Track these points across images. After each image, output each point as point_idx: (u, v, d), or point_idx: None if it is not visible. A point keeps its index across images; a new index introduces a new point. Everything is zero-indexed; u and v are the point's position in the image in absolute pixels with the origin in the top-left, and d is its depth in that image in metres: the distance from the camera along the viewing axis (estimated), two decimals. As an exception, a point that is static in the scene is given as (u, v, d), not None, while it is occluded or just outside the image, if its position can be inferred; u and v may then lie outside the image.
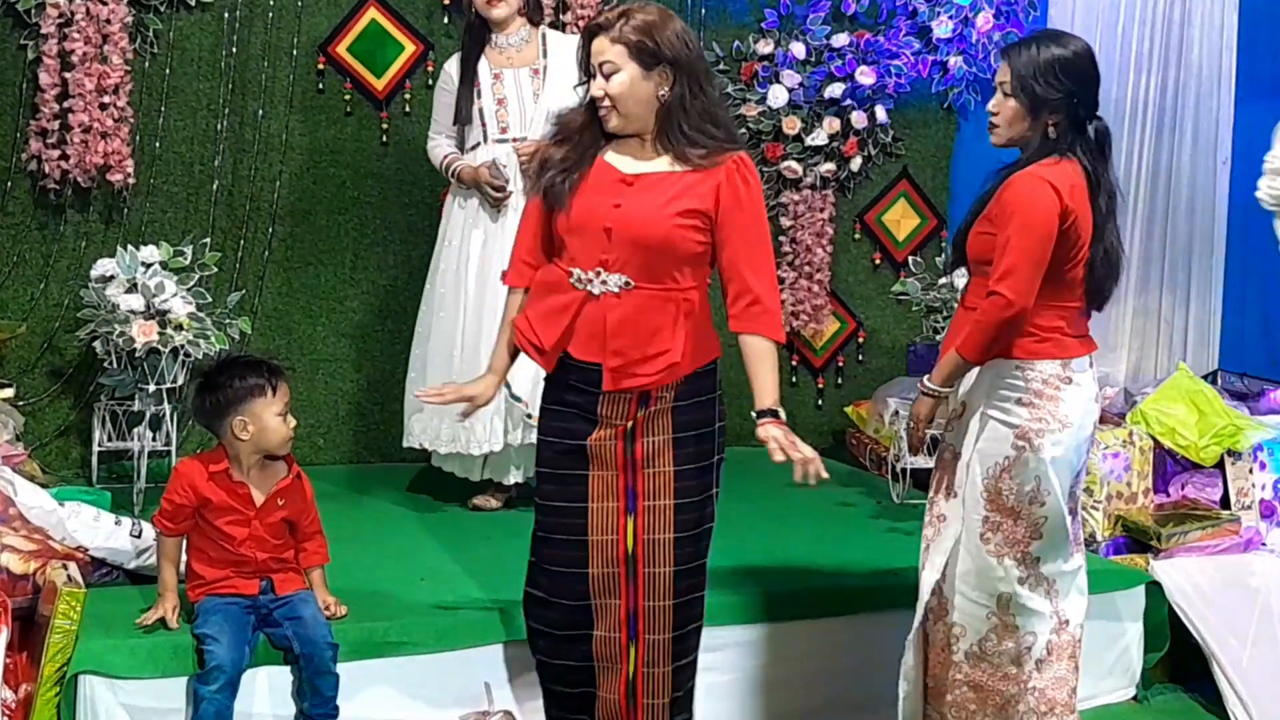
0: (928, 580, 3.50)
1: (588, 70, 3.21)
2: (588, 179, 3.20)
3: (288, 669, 3.41)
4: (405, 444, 4.91)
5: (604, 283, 3.19)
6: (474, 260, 4.70)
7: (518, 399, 4.56)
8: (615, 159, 3.22)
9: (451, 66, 4.79)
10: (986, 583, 3.41)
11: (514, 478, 4.79)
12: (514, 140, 4.65)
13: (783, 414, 3.22)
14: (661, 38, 3.12)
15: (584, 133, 3.24)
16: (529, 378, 4.49)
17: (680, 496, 3.24)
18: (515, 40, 4.71)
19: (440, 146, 4.81)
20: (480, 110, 4.69)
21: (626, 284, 3.17)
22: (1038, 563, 3.41)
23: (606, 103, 3.16)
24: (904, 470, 5.10)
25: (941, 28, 6.03)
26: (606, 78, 3.14)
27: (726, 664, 3.81)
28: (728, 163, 3.16)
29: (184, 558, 3.48)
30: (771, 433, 3.16)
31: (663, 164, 3.19)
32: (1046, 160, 3.36)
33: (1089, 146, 3.39)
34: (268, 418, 3.36)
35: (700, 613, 3.34)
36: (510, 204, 4.63)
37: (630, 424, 3.23)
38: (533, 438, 4.63)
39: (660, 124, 3.17)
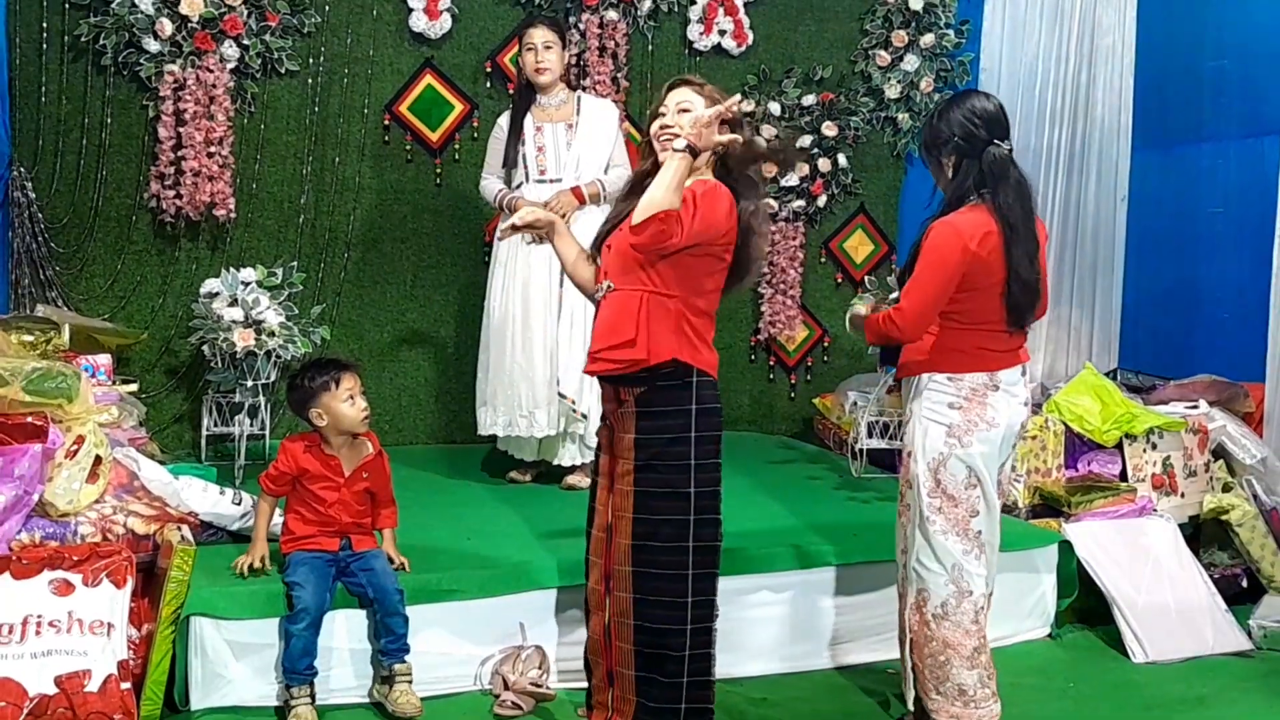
0: (909, 561, 3.38)
1: (656, 112, 3.15)
2: None
3: (363, 613, 3.42)
4: (479, 432, 4.86)
5: (599, 290, 3.15)
6: (519, 278, 4.67)
7: (563, 396, 4.55)
8: None
9: (503, 120, 4.78)
10: (940, 555, 3.31)
11: (563, 459, 4.74)
12: (550, 181, 4.65)
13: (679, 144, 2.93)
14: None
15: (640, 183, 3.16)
16: (577, 378, 4.49)
17: (638, 508, 3.04)
18: (556, 101, 4.70)
19: (492, 184, 4.78)
20: (523, 156, 4.67)
21: (610, 287, 3.10)
22: (979, 535, 3.33)
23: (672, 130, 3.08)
24: (861, 450, 5.10)
25: (892, 90, 6.03)
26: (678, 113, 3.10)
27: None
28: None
29: (279, 520, 3.50)
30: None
31: None
32: (963, 208, 3.22)
33: (990, 181, 3.20)
34: (335, 406, 3.38)
35: (665, 589, 3.04)
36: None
37: (611, 418, 3.15)
38: (576, 427, 4.64)
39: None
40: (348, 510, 3.43)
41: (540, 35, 4.61)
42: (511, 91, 5.35)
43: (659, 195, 2.89)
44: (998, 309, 3.25)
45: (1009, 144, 3.25)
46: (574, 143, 4.66)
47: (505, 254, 4.73)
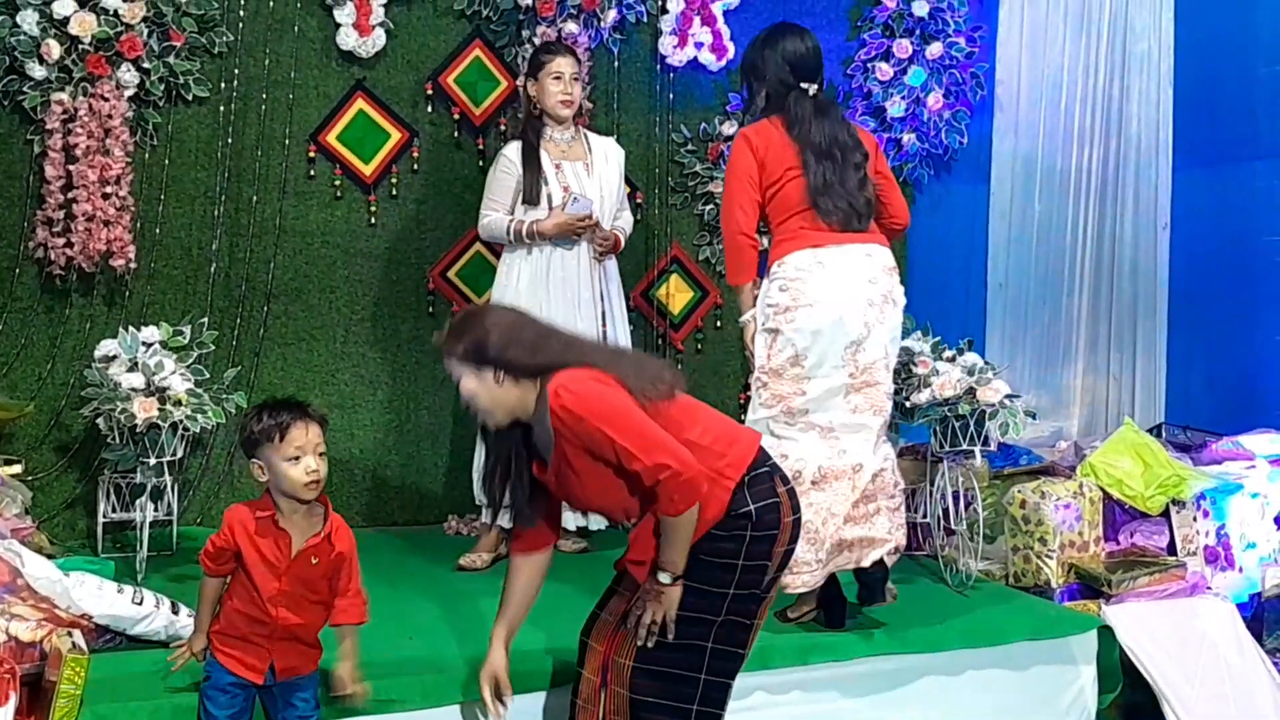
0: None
1: None
2: None
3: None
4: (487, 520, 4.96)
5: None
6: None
7: None
8: None
9: (513, 153, 4.98)
10: (768, 424, 4.04)
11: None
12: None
13: (664, 576, 3.09)
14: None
15: None
16: None
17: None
18: (568, 136, 5.05)
19: (500, 218, 4.97)
20: (549, 197, 4.92)
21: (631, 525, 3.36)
22: (806, 413, 3.99)
23: None
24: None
25: (895, 107, 6.13)
26: None
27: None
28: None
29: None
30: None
31: None
32: (757, 122, 4.17)
33: (800, 108, 4.10)
34: (276, 462, 3.18)
35: (669, 691, 3.15)
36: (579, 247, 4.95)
37: None
38: None
39: None
40: (288, 602, 3.22)
41: (570, 65, 5.00)
42: (487, 124, 5.64)
43: (675, 556, 3.09)
44: (798, 199, 4.06)
45: (815, 85, 4.16)
46: (593, 190, 4.99)
47: (527, 281, 4.91)
